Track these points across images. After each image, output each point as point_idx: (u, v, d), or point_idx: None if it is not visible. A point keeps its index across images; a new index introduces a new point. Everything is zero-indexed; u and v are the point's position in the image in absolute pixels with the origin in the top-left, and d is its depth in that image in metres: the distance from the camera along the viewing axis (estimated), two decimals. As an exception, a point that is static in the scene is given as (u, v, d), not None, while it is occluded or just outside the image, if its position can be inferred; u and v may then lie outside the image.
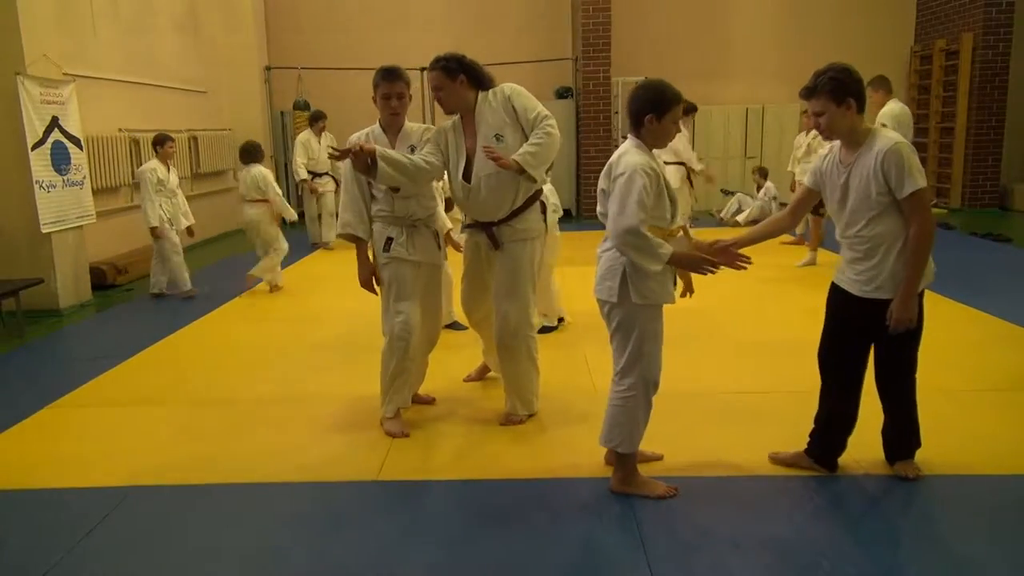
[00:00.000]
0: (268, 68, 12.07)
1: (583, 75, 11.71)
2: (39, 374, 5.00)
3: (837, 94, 2.81)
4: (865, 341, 3.03)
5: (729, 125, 12.40)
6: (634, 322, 2.93)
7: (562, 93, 12.37)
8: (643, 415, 3.03)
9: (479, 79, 3.67)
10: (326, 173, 9.61)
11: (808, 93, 2.88)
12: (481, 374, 4.51)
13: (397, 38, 12.33)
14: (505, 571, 2.62)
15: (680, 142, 8.42)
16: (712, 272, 2.87)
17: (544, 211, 3.84)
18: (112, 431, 3.95)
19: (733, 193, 10.98)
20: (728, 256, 2.97)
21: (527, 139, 3.59)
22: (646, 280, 2.87)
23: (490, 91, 3.70)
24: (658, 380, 3.01)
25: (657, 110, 2.86)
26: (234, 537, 2.91)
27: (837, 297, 3.05)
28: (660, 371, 3.00)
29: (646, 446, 3.20)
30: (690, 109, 8.90)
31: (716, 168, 11.72)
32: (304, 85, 11.92)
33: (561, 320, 5.57)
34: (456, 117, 3.74)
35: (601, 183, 2.97)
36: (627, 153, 2.89)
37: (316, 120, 9.64)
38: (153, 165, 6.92)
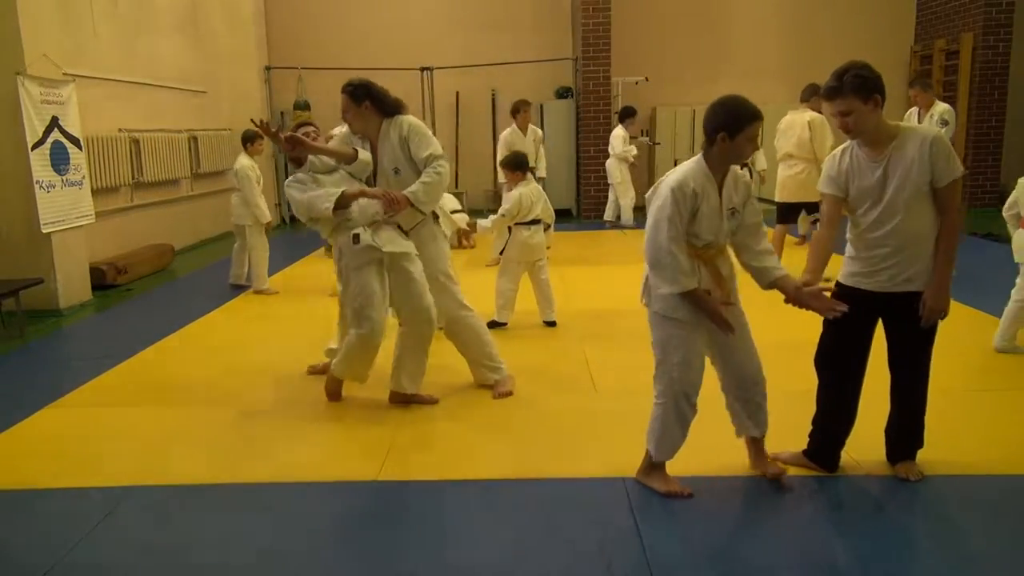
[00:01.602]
0: (268, 68, 12.06)
1: (583, 75, 11.71)
2: (39, 374, 4.99)
3: (863, 92, 2.79)
4: (870, 340, 3.01)
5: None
6: (656, 328, 2.96)
7: (562, 93, 12.37)
8: (675, 426, 2.98)
9: (383, 106, 4.03)
10: None
11: (833, 92, 2.83)
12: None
13: (397, 38, 12.34)
14: (505, 571, 2.62)
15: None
16: (727, 332, 2.88)
17: (436, 219, 4.20)
18: (112, 431, 3.95)
19: None
20: (821, 303, 2.85)
21: (419, 173, 3.97)
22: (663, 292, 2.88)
23: (393, 121, 4.02)
24: (688, 394, 2.94)
25: (730, 128, 2.78)
26: (234, 537, 2.91)
27: (849, 298, 2.96)
28: (691, 386, 2.93)
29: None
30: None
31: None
32: (304, 85, 11.92)
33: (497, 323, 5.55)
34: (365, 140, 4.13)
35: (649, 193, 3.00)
36: (679, 168, 2.89)
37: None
38: (249, 163, 7.06)
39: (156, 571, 2.71)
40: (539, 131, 8.88)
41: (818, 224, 3.30)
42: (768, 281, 2.94)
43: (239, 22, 11.47)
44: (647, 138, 12.01)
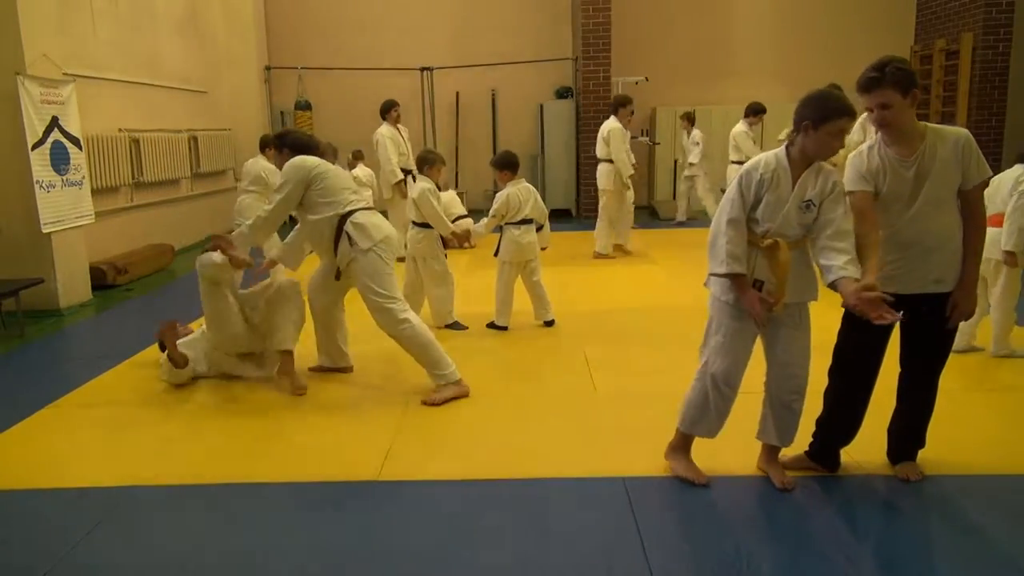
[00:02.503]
0: (268, 68, 12.06)
1: (583, 75, 11.70)
2: (39, 374, 4.99)
3: (904, 85, 2.74)
4: (886, 346, 3.00)
5: (729, 125, 12.26)
6: (710, 307, 3.04)
7: (562, 93, 12.37)
8: (702, 404, 3.07)
9: (300, 149, 4.43)
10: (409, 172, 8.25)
11: (873, 83, 2.75)
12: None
13: (397, 38, 12.34)
14: (505, 571, 2.62)
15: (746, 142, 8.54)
16: (760, 328, 2.92)
17: (350, 241, 4.23)
18: (112, 431, 3.95)
19: None
20: (874, 308, 2.61)
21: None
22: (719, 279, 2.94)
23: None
24: (716, 376, 3.00)
25: (814, 119, 2.73)
26: (234, 536, 2.91)
27: None
28: (722, 371, 2.98)
29: (650, 444, 3.18)
30: (758, 110, 8.99)
31: (716, 168, 11.72)
32: (304, 85, 11.92)
33: (452, 324, 5.62)
34: None
35: None
36: (761, 154, 2.94)
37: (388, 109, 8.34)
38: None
39: (156, 571, 2.70)
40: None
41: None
42: (828, 281, 2.80)
43: (239, 22, 11.46)
44: (647, 138, 12.01)
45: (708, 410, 3.07)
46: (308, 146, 4.48)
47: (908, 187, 2.83)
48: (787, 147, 2.87)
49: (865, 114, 2.92)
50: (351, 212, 4.22)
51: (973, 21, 11.22)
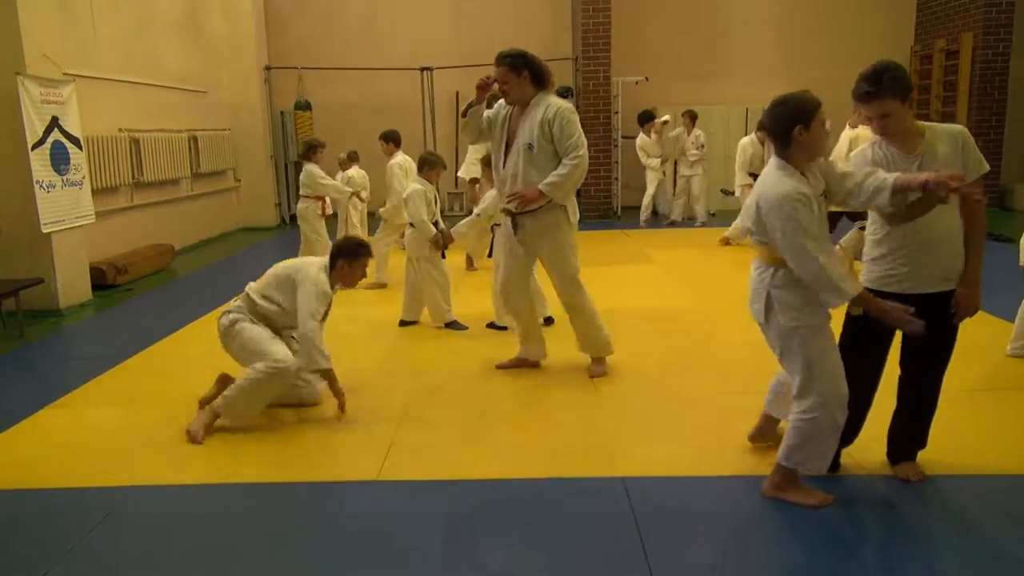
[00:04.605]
0: (268, 68, 12.06)
1: (583, 75, 11.71)
2: (39, 374, 5.00)
3: (901, 92, 2.75)
4: (889, 347, 3.00)
5: (729, 125, 12.40)
6: (792, 344, 2.80)
7: (562, 93, 12.22)
8: (830, 435, 2.86)
9: (539, 77, 4.17)
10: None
11: (871, 96, 2.75)
12: (518, 363, 4.67)
13: (397, 38, 12.34)
14: (505, 571, 2.62)
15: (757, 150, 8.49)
16: (916, 333, 2.67)
17: (566, 209, 4.28)
18: (112, 431, 3.95)
19: (732, 193, 10.96)
20: (943, 186, 2.58)
21: (557, 156, 4.11)
22: (795, 302, 2.76)
23: (544, 98, 4.16)
24: (844, 393, 2.81)
25: (804, 119, 2.68)
26: (234, 537, 2.91)
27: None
28: (846, 389, 2.81)
29: (650, 444, 3.18)
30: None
31: (716, 168, 11.73)
32: (304, 85, 11.92)
33: (452, 324, 5.61)
34: (514, 107, 4.24)
35: (749, 199, 2.89)
36: (770, 183, 2.73)
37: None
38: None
39: (156, 571, 2.71)
40: None
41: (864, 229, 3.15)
42: (888, 192, 2.68)
43: (239, 22, 11.46)
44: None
45: (832, 439, 2.90)
46: (548, 80, 4.30)
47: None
48: (784, 162, 2.75)
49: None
50: None
51: (973, 21, 11.22)
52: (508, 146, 4.25)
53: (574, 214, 4.38)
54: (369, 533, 2.88)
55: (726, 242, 9.03)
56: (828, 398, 2.80)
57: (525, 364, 4.65)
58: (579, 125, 4.20)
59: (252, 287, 4.05)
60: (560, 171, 4.10)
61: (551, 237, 4.31)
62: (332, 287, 3.97)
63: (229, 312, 4.01)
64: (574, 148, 4.10)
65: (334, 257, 3.98)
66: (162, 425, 3.99)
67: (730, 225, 9.10)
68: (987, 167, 2.87)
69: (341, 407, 3.92)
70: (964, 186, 2.67)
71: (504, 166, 4.27)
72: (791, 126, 2.69)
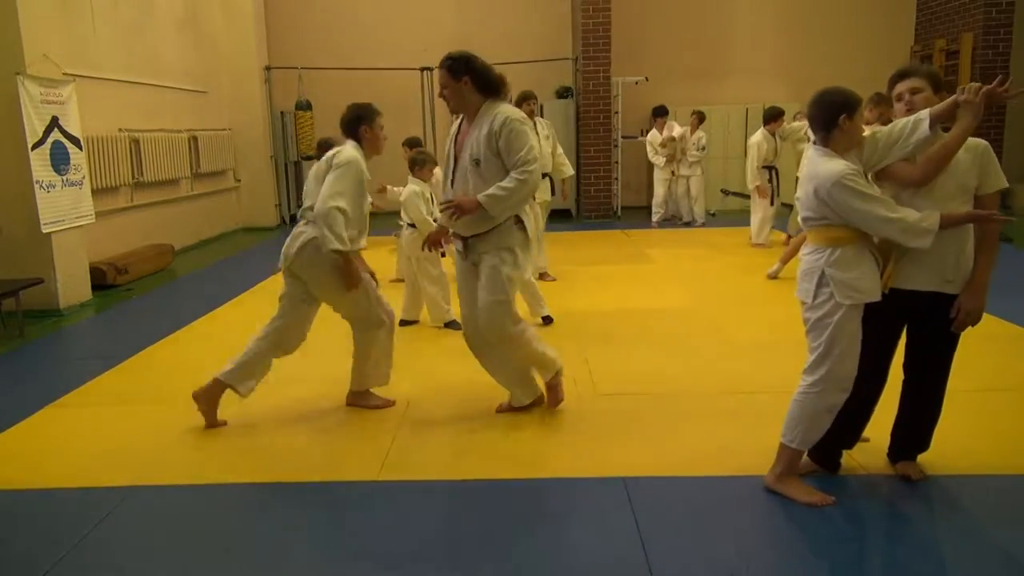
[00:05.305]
0: (268, 68, 12.06)
1: (583, 75, 11.71)
2: (39, 374, 4.99)
3: (936, 82, 2.97)
4: (895, 348, 3.01)
5: (729, 125, 12.40)
6: (829, 321, 2.88)
7: (562, 93, 12.37)
8: (826, 416, 2.95)
9: (486, 84, 3.70)
10: None
11: (911, 71, 2.98)
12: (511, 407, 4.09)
13: (397, 38, 12.34)
14: (505, 571, 2.62)
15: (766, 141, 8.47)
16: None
17: (522, 225, 3.77)
18: (112, 431, 3.95)
19: (732, 193, 10.97)
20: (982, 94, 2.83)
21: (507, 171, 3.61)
22: (851, 280, 2.84)
23: (492, 107, 3.70)
24: (849, 382, 2.91)
25: (849, 109, 2.85)
26: (234, 537, 2.91)
27: (886, 301, 2.93)
28: (854, 373, 2.91)
29: (650, 444, 3.18)
30: (776, 114, 8.75)
31: (716, 168, 11.74)
32: (304, 85, 11.93)
33: (451, 324, 5.54)
34: (460, 117, 3.84)
35: (800, 190, 3.00)
36: (822, 167, 2.84)
37: None
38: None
39: (155, 571, 2.71)
40: (545, 123, 7.13)
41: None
42: (925, 125, 2.85)
43: (239, 22, 11.47)
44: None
45: (826, 421, 2.97)
46: (499, 87, 3.92)
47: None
48: (829, 149, 2.87)
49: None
50: None
51: (973, 21, 11.23)
52: (456, 162, 3.79)
53: (525, 249, 3.84)
54: (369, 533, 2.88)
55: (788, 239, 8.95)
56: (834, 375, 2.90)
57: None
58: (531, 136, 3.66)
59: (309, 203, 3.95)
60: (505, 184, 3.56)
61: (500, 259, 3.71)
62: (366, 160, 3.96)
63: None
64: (523, 163, 3.57)
65: (353, 129, 4.02)
66: (162, 425, 3.99)
67: (731, 225, 9.09)
68: (1005, 184, 2.90)
69: (372, 276, 4.02)
70: (979, 213, 2.87)
71: (453, 184, 3.78)
72: (838, 114, 2.85)
